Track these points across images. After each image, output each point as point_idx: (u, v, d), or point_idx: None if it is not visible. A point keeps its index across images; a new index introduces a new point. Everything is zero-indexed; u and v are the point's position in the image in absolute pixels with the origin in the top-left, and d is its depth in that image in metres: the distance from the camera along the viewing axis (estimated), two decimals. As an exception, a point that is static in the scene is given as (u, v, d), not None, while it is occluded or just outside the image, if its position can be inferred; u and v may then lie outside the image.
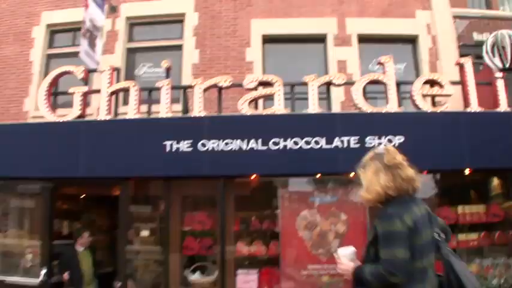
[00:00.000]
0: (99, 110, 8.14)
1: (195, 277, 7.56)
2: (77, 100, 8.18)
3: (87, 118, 8.52)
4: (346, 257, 3.38)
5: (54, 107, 8.52)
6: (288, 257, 7.39)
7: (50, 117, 8.20)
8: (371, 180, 3.35)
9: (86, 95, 8.36)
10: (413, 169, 3.37)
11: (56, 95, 8.90)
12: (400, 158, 3.39)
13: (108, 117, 7.97)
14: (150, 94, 8.44)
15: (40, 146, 7.81)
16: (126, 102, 8.81)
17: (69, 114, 8.13)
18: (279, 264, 7.41)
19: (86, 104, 8.37)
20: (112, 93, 8.15)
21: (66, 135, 7.82)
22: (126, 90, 8.24)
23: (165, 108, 7.84)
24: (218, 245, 7.46)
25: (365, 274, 3.15)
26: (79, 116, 8.10)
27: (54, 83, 8.60)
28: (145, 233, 7.92)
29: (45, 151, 7.76)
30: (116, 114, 8.37)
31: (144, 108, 8.25)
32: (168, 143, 7.34)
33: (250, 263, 7.70)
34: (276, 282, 7.42)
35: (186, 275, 7.64)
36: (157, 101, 8.09)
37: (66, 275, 7.66)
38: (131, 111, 7.92)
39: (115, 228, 10.32)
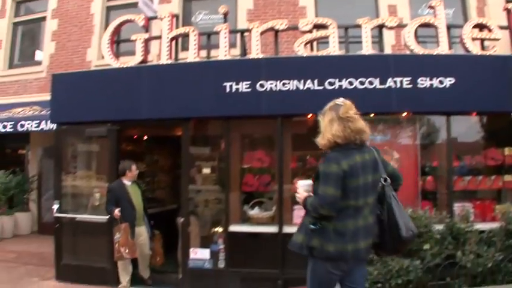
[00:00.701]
0: (161, 55, 8.58)
1: (254, 212, 7.94)
2: (139, 47, 8.65)
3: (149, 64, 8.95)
4: (303, 188, 3.96)
5: (117, 55, 9.01)
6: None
7: (114, 64, 8.73)
8: (325, 128, 3.86)
9: (147, 41, 8.79)
10: (363, 122, 3.84)
11: (118, 43, 9.36)
12: (353, 112, 3.83)
13: (169, 62, 8.41)
14: (208, 39, 8.77)
15: (106, 92, 8.37)
16: (184, 48, 9.13)
17: (132, 61, 8.62)
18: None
19: (147, 50, 8.81)
20: (172, 38, 8.54)
21: (130, 80, 8.31)
22: (185, 36, 8.57)
23: (223, 52, 8.17)
24: (276, 181, 7.85)
25: (307, 204, 3.82)
26: (141, 62, 8.58)
27: (117, 31, 9.07)
28: (206, 171, 8.30)
29: (111, 96, 8.31)
30: (177, 59, 8.76)
31: (203, 53, 8.61)
32: (227, 84, 7.66)
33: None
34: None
35: (245, 210, 8.06)
36: (216, 46, 8.44)
37: (117, 212, 7.71)
38: (191, 55, 8.31)
39: (177, 168, 10.90)
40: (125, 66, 8.56)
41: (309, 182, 3.92)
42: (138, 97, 8.11)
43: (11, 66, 15.53)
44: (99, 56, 13.18)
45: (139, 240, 7.98)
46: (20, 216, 13.84)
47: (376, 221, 3.81)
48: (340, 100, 3.93)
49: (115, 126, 8.39)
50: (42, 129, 12.09)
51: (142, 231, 8.11)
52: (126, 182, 8.09)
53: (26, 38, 16.15)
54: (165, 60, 8.42)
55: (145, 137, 10.42)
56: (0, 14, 15.66)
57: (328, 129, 3.81)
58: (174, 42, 8.68)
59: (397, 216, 3.74)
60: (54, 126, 10.43)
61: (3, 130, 12.77)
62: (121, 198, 7.85)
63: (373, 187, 3.77)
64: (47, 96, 12.70)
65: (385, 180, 3.81)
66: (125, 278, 7.92)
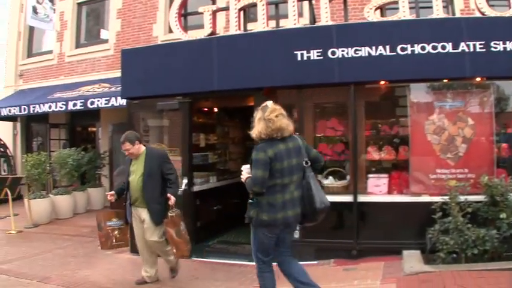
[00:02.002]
0: (229, 26, 8.65)
1: (328, 182, 7.95)
2: (207, 18, 8.74)
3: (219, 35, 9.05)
4: (246, 171, 4.97)
5: (185, 28, 9.15)
6: (417, 162, 7.61)
7: (183, 37, 8.87)
8: (256, 124, 4.93)
9: (214, 13, 8.85)
10: (285, 121, 4.86)
11: (185, 16, 9.47)
12: (274, 114, 4.84)
13: (238, 32, 8.47)
14: (276, 8, 8.77)
15: (176, 65, 8.52)
16: (250, 20, 9.14)
17: (201, 33, 8.72)
18: (408, 169, 7.68)
19: (215, 22, 8.88)
20: (240, 9, 8.58)
21: (200, 52, 8.43)
22: (253, 6, 8.59)
23: (292, 20, 8.14)
24: (350, 150, 7.86)
25: (246, 184, 4.90)
26: (210, 34, 8.67)
27: (184, 4, 9.15)
28: None
29: (182, 69, 8.47)
30: (245, 30, 8.78)
31: (271, 23, 8.58)
32: (298, 52, 7.65)
33: (380, 168, 8.06)
34: (405, 186, 7.72)
35: (320, 179, 7.97)
36: (283, 16, 8.51)
37: (109, 195, 7.31)
38: (260, 25, 8.32)
39: (247, 140, 10.99)
40: (191, 39, 8.69)
41: (248, 166, 4.93)
42: (209, 69, 8.21)
43: (78, 45, 16.11)
44: (165, 31, 13.49)
45: (134, 224, 7.24)
46: (92, 192, 14.39)
47: (300, 195, 4.89)
48: (269, 103, 5.01)
49: (186, 98, 8.55)
50: (112, 105, 12.49)
51: (139, 214, 7.05)
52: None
53: (91, 17, 16.70)
54: (234, 31, 8.50)
55: (215, 109, 10.54)
56: (64, -4, 16.16)
57: (257, 126, 4.90)
58: (241, 12, 8.70)
59: (313, 191, 4.85)
60: (124, 102, 10.75)
61: (73, 108, 13.31)
62: (125, 173, 7.28)
63: (297, 168, 4.86)
64: (115, 74, 13.14)
65: (306, 163, 4.91)
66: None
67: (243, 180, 4.98)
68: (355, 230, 7.50)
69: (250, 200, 4.90)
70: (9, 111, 15.16)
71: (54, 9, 15.65)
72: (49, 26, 15.79)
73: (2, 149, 17.71)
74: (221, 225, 9.88)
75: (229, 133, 11.31)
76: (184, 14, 9.35)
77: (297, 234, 7.71)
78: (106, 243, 7.32)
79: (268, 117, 4.82)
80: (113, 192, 7.34)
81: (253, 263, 7.18)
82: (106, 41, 15.31)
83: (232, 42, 8.33)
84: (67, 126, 16.84)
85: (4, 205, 13.17)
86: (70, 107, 13.40)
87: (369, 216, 7.60)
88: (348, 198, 7.63)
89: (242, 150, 11.38)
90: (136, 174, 6.95)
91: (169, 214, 6.72)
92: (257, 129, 4.87)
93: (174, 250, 6.88)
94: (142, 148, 7.05)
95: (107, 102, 12.65)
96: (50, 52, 16.69)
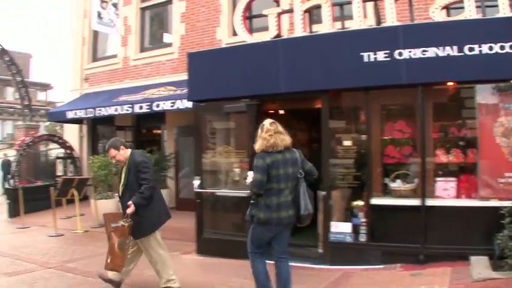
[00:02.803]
0: (293, 28, 8.77)
1: (396, 185, 7.96)
2: (272, 21, 8.89)
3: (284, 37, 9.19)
4: (250, 176, 5.78)
5: (250, 30, 9.32)
6: (486, 165, 7.50)
7: (249, 39, 9.06)
8: (256, 141, 5.87)
9: (279, 15, 9.00)
10: (278, 138, 5.74)
11: (250, 18, 9.62)
12: (268, 134, 5.74)
13: (304, 34, 8.57)
14: (341, 9, 8.83)
15: (242, 67, 8.73)
16: (313, 21, 9.20)
17: (266, 35, 8.88)
18: (477, 172, 7.59)
19: (280, 24, 9.03)
20: (305, 11, 8.68)
21: (266, 54, 8.59)
22: (317, 7, 8.65)
23: (358, 21, 8.19)
24: (418, 153, 7.82)
25: (248, 186, 5.86)
26: (276, 36, 8.81)
27: (248, 7, 9.34)
28: (346, 143, 8.33)
29: (248, 72, 8.66)
30: (311, 32, 8.85)
31: (336, 25, 8.63)
32: (365, 53, 7.68)
33: (448, 171, 7.96)
34: (474, 190, 7.61)
35: (387, 183, 8.10)
36: (348, 17, 8.56)
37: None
38: (325, 27, 8.41)
39: (313, 142, 11.04)
40: (258, 41, 8.86)
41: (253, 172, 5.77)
42: (276, 71, 8.35)
43: (142, 49, 16.64)
44: (229, 33, 13.74)
45: None
46: (157, 193, 14.65)
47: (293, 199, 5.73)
48: (267, 122, 5.93)
49: (254, 101, 8.71)
50: (177, 108, 12.78)
51: None
52: None
53: (154, 21, 17.22)
54: (299, 32, 8.60)
55: (282, 111, 10.53)
56: (127, 1, 16.77)
57: (257, 142, 5.84)
58: (306, 14, 8.79)
59: (301, 199, 5.69)
60: (189, 105, 11.00)
61: (139, 111, 13.74)
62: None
63: (292, 176, 5.73)
64: (180, 77, 13.50)
65: (300, 173, 5.77)
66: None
67: (247, 183, 5.90)
68: (423, 234, 7.46)
69: (251, 201, 5.83)
70: (75, 114, 15.79)
71: (118, 14, 16.11)
72: (113, 31, 16.30)
73: (68, 151, 18.48)
74: None
75: (295, 135, 11.21)
76: (249, 16, 9.51)
77: (363, 238, 7.83)
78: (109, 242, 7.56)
79: (264, 136, 5.79)
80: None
81: (320, 266, 7.37)
82: (170, 45, 15.71)
83: (298, 44, 8.44)
84: (132, 129, 17.31)
85: (71, 205, 13.62)
86: (136, 109, 13.83)
87: (436, 220, 7.52)
88: (415, 202, 7.61)
89: (308, 152, 11.24)
90: (120, 183, 6.84)
91: (122, 223, 6.48)
92: (257, 145, 5.84)
93: (108, 260, 6.63)
94: (128, 153, 6.85)
95: (172, 104, 12.96)
96: (115, 56, 17.29)
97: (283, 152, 5.75)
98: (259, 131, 5.88)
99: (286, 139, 5.85)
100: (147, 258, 6.88)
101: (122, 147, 6.80)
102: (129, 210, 6.36)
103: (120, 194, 6.81)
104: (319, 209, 8.43)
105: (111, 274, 6.80)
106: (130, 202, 6.36)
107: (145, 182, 6.51)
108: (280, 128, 5.88)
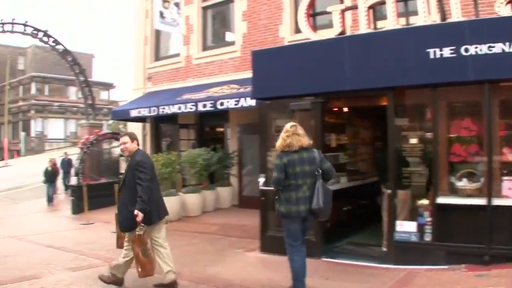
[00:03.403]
0: (357, 25, 8.85)
1: (462, 184, 7.87)
2: (336, 18, 8.99)
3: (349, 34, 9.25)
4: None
5: (314, 28, 9.46)
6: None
7: (313, 36, 9.19)
8: (278, 141, 6.71)
9: (343, 12, 9.08)
10: (295, 139, 6.52)
11: (313, 16, 9.77)
12: (286, 135, 6.60)
13: (368, 31, 8.64)
14: (405, 5, 8.88)
15: (307, 65, 8.82)
16: (379, 18, 9.24)
17: (330, 32, 9.01)
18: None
19: (344, 21, 9.09)
20: (369, 7, 8.75)
21: (330, 52, 8.68)
22: (382, 3, 8.72)
23: (422, 17, 8.20)
24: (484, 151, 7.74)
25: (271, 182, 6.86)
26: (340, 33, 8.91)
27: (312, 4, 9.47)
28: (412, 141, 8.35)
29: (312, 69, 8.74)
30: (375, 28, 8.91)
31: (401, 21, 8.67)
32: (431, 50, 7.63)
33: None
34: (542, 190, 7.49)
35: (453, 181, 8.00)
36: (413, 13, 8.59)
37: None
38: (390, 23, 8.46)
39: (377, 140, 11.07)
40: (323, 38, 8.96)
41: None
42: (341, 68, 8.41)
43: (205, 48, 16.96)
44: (291, 31, 13.87)
45: None
46: (221, 191, 15.18)
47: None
48: (288, 125, 6.71)
49: (319, 98, 8.76)
50: (241, 106, 12.99)
51: None
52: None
53: (216, 20, 17.52)
54: (363, 29, 8.68)
55: (346, 109, 10.65)
56: (188, 1, 17.17)
57: (277, 142, 6.71)
58: (370, 11, 8.83)
59: (315, 194, 6.37)
60: (252, 103, 11.20)
61: (203, 109, 14.03)
62: None
63: (310, 174, 6.46)
64: (242, 75, 13.73)
65: (318, 171, 6.47)
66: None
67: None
68: (488, 235, 7.39)
69: (276, 196, 6.69)
70: (139, 112, 16.27)
71: (180, 14, 16.53)
72: (176, 30, 16.74)
73: (132, 149, 18.96)
74: (350, 227, 10.00)
75: (359, 133, 11.41)
76: (312, 13, 9.63)
77: (428, 237, 7.81)
78: (118, 241, 7.77)
79: (282, 136, 6.65)
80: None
81: (384, 265, 7.59)
82: (232, 43, 15.97)
83: (363, 41, 8.46)
84: (196, 127, 17.68)
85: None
86: (200, 108, 14.09)
87: (502, 220, 7.42)
88: (481, 201, 7.54)
89: (372, 150, 11.46)
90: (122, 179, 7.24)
91: (137, 233, 6.79)
92: (278, 143, 6.69)
93: (139, 269, 6.87)
94: (135, 149, 7.16)
95: (236, 103, 13.15)
96: (178, 55, 17.67)
97: (299, 152, 6.52)
98: (281, 132, 6.74)
99: (302, 140, 6.57)
100: (127, 250, 7.09)
101: (135, 141, 7.21)
102: (139, 219, 6.62)
103: (118, 189, 7.32)
104: (384, 207, 8.54)
105: (109, 274, 7.24)
106: (136, 212, 6.60)
107: (140, 181, 6.75)
108: (299, 131, 6.64)
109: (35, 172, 25.48)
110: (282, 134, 6.67)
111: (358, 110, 10.76)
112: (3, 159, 51.37)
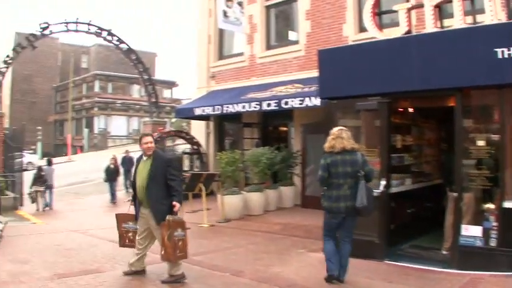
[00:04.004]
0: (422, 24, 8.81)
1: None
2: (402, 17, 9.02)
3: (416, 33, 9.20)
4: None
5: (380, 26, 9.51)
6: None
7: (379, 35, 9.24)
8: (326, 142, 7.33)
9: (409, 10, 9.09)
10: (337, 142, 7.14)
11: (379, 15, 9.80)
12: (331, 137, 7.26)
13: (435, 30, 8.60)
14: (472, 4, 8.81)
15: (373, 64, 8.78)
16: (444, 16, 9.20)
17: (397, 31, 9.02)
18: None
19: (410, 19, 9.11)
20: (435, 6, 8.71)
21: (397, 51, 8.60)
22: (448, 2, 8.64)
23: (490, 16, 8.12)
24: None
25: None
26: (406, 32, 8.91)
27: (377, 3, 9.53)
28: (480, 143, 8.07)
29: (379, 69, 8.69)
30: (442, 27, 8.84)
31: (468, 20, 8.57)
32: (499, 50, 7.43)
33: None
34: None
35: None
36: (480, 11, 8.51)
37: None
38: (457, 21, 8.37)
39: (442, 141, 10.96)
40: (390, 37, 8.98)
41: None
42: (408, 68, 8.33)
43: (268, 47, 17.21)
44: (355, 30, 13.93)
45: (140, 222, 7.88)
46: (284, 190, 15.31)
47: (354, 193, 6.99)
48: (336, 128, 7.39)
49: (385, 98, 8.71)
50: (306, 105, 13.13)
51: (145, 213, 7.67)
52: (144, 155, 7.83)
53: (279, 19, 17.73)
54: (430, 28, 8.65)
55: (411, 109, 10.56)
56: (251, 0, 17.44)
57: (325, 143, 7.32)
58: (437, 9, 8.78)
59: (358, 193, 6.92)
60: (317, 102, 11.33)
61: (268, 108, 14.26)
62: (133, 173, 8.06)
63: (352, 174, 7.05)
64: (306, 74, 13.91)
65: (360, 172, 7.04)
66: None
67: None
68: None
69: (322, 193, 7.32)
70: (203, 111, 16.67)
71: (243, 13, 16.87)
72: (239, 29, 17.09)
73: (195, 147, 19.48)
74: (414, 229, 9.88)
75: (424, 134, 11.22)
76: (378, 12, 9.67)
77: (493, 243, 7.65)
78: (120, 241, 8.07)
79: (328, 138, 7.31)
80: (131, 198, 8.26)
81: (447, 270, 7.81)
82: (296, 42, 16.15)
83: (431, 40, 8.32)
84: (259, 126, 17.90)
85: (197, 200, 14.44)
86: (264, 107, 14.33)
87: None
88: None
89: (437, 152, 11.24)
90: (141, 175, 7.61)
91: (168, 218, 7.34)
92: (325, 145, 7.32)
93: (162, 252, 7.39)
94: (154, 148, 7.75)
95: (300, 102, 13.28)
96: (241, 54, 17.98)
97: (342, 154, 7.13)
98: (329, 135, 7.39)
99: (345, 143, 7.15)
100: (140, 249, 7.81)
101: (154, 141, 7.85)
102: (176, 209, 7.45)
103: (146, 185, 7.51)
104: (448, 210, 8.50)
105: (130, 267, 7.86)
106: (175, 203, 7.42)
107: (175, 177, 7.67)
108: (343, 134, 7.22)
109: (97, 168, 26.33)
110: (328, 137, 7.33)
111: (424, 111, 10.62)
112: (66, 155, 53.13)
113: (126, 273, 7.84)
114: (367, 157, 7.91)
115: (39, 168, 19.77)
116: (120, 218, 8.16)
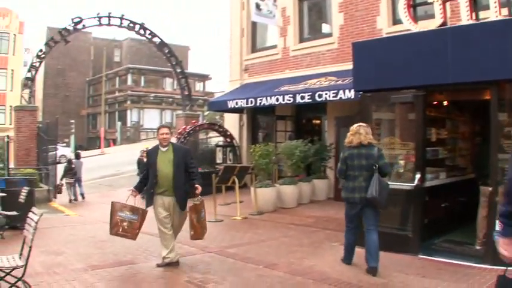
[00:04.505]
0: (457, 16, 8.82)
1: None
2: (437, 8, 9.01)
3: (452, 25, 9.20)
4: None
5: (415, 19, 9.50)
6: None
7: (414, 28, 9.24)
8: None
9: (444, 3, 9.07)
10: (355, 137, 7.64)
11: (414, 7, 9.80)
12: (350, 133, 7.79)
13: (470, 22, 8.58)
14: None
15: (409, 57, 8.75)
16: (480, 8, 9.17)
17: (431, 23, 9.03)
18: None
19: (445, 11, 9.10)
20: (470, -3, 8.68)
21: (432, 43, 8.55)
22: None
23: (525, 7, 8.06)
24: None
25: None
26: (441, 24, 8.89)
27: (412, -5, 9.51)
28: None
29: (414, 61, 8.65)
30: (477, 19, 8.81)
31: (504, 11, 8.58)
32: None
33: None
34: None
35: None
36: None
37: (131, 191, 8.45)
38: (492, 13, 8.37)
39: (476, 135, 10.90)
40: (425, 30, 8.97)
41: None
42: (444, 61, 8.27)
43: (302, 40, 17.32)
44: (389, 23, 13.92)
45: (158, 211, 8.18)
46: (317, 183, 15.45)
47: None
48: (356, 124, 7.86)
49: (421, 91, 8.67)
50: (340, 98, 13.18)
51: (166, 202, 8.13)
52: (161, 147, 8.28)
53: (312, 12, 17.81)
54: (465, 20, 8.63)
55: (445, 102, 10.47)
56: (285, -8, 17.43)
57: (345, 139, 7.90)
58: (472, 1, 8.73)
59: (371, 185, 7.31)
60: (351, 95, 11.36)
61: (301, 101, 14.34)
62: (151, 164, 8.31)
63: (367, 167, 7.48)
64: (340, 67, 13.96)
65: (375, 166, 7.43)
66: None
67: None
68: None
69: (340, 185, 8.20)
70: (236, 103, 16.83)
71: (276, 6, 16.90)
72: (273, 22, 17.14)
73: (228, 139, 19.65)
74: (447, 224, 9.85)
75: (458, 128, 11.16)
76: (412, 4, 9.67)
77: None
78: (113, 229, 8.17)
79: (348, 133, 7.84)
80: (133, 188, 8.45)
81: (480, 265, 7.81)
82: (329, 35, 16.20)
83: (466, 33, 8.30)
84: (293, 119, 18.05)
85: (230, 192, 14.68)
86: (298, 99, 14.41)
87: None
88: None
89: (471, 146, 11.13)
90: (165, 165, 8.11)
91: (194, 202, 8.19)
92: (345, 140, 7.89)
93: (192, 233, 8.27)
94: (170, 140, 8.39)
95: (334, 95, 13.33)
96: (274, 47, 18.11)
97: (359, 148, 7.60)
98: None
99: (361, 138, 7.60)
100: (180, 228, 8.44)
101: (170, 132, 8.49)
102: (198, 191, 8.09)
103: (172, 174, 8.05)
104: (481, 205, 8.49)
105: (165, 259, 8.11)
106: (197, 185, 8.08)
107: (195, 165, 8.47)
108: (361, 130, 7.66)
109: (130, 160, 26.46)
110: (348, 132, 7.86)
111: (458, 104, 10.59)
112: (99, 148, 53.89)
113: (159, 265, 8.07)
114: (400, 151, 8.19)
115: (69, 161, 20.36)
116: (117, 207, 8.34)
